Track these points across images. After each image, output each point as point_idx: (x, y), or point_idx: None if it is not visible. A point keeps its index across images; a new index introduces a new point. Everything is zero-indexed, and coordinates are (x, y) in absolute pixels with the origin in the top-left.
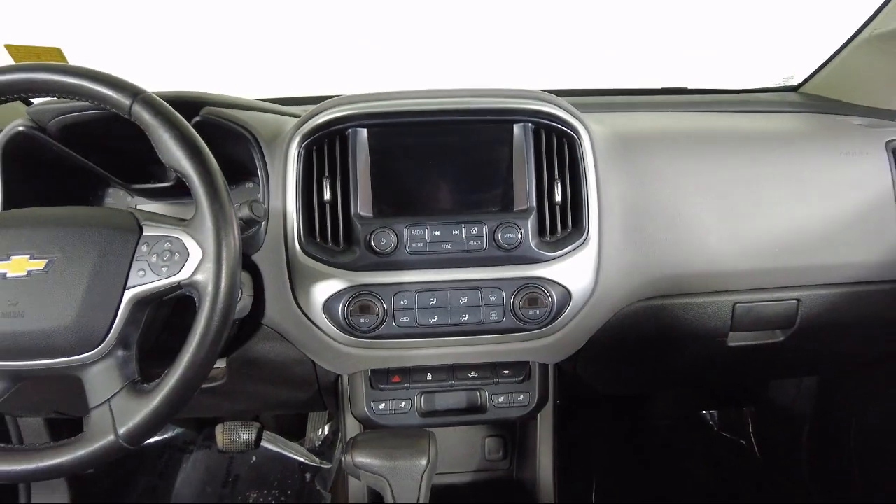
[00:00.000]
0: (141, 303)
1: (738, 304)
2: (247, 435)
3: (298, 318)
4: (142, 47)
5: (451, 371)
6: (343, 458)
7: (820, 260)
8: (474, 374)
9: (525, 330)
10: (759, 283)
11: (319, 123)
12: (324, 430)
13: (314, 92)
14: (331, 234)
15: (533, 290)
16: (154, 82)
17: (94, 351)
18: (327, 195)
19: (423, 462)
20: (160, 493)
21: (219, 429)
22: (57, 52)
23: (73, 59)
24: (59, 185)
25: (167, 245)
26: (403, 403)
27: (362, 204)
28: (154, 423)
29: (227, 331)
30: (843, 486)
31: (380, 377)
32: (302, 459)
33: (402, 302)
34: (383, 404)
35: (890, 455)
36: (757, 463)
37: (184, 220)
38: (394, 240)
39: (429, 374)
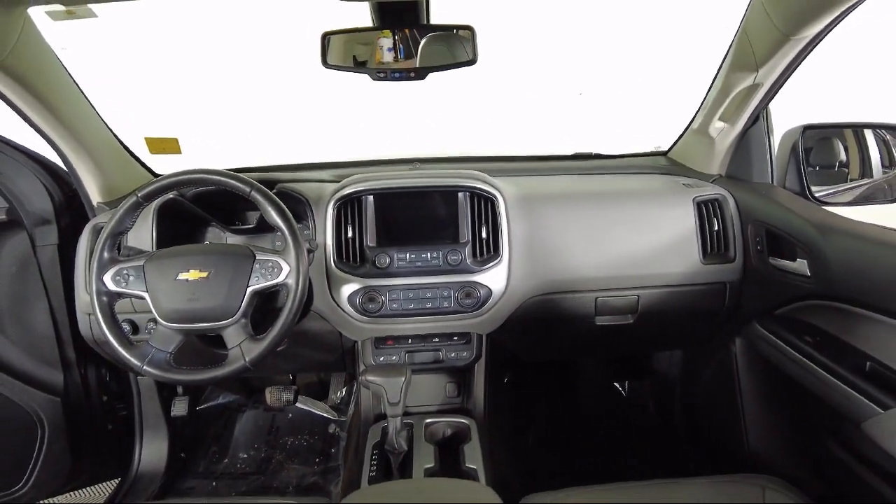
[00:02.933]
0: (256, 294)
1: (599, 298)
2: (287, 395)
3: (332, 305)
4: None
5: (423, 338)
6: (359, 378)
7: (650, 271)
8: (436, 339)
9: (465, 312)
10: (612, 285)
11: (346, 193)
12: (341, 391)
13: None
14: (351, 257)
15: (469, 289)
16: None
17: (231, 318)
18: (350, 234)
19: (402, 379)
20: (224, 439)
21: (268, 391)
22: (175, 141)
23: (185, 145)
24: (179, 228)
25: (270, 264)
26: (395, 357)
27: (370, 239)
28: (266, 354)
29: (300, 309)
30: (695, 424)
31: (380, 341)
32: (325, 414)
33: (393, 296)
34: (382, 357)
35: (714, 399)
36: (652, 420)
37: (276, 250)
38: (388, 260)
39: (409, 340)
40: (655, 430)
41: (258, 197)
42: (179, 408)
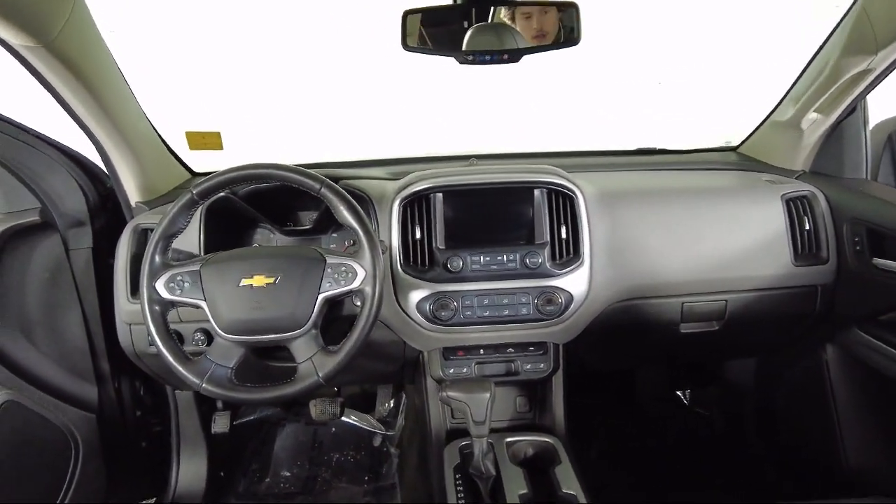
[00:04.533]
0: (327, 301)
1: (685, 303)
2: (333, 407)
3: (398, 312)
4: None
5: (495, 348)
6: (440, 394)
7: (738, 273)
8: (511, 350)
9: (544, 320)
10: (699, 289)
11: (413, 191)
12: (389, 403)
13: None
14: (419, 260)
15: (549, 294)
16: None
17: (300, 329)
18: (418, 235)
19: (487, 395)
20: (264, 455)
21: (312, 404)
22: (217, 134)
23: (228, 140)
24: (227, 229)
25: (343, 268)
26: (465, 369)
27: (439, 240)
28: (340, 369)
29: (377, 318)
30: (777, 437)
31: (449, 352)
32: (370, 428)
33: (466, 302)
34: (452, 369)
35: (801, 410)
36: (718, 430)
37: (348, 253)
38: (461, 263)
39: (481, 350)
40: (723, 442)
41: (329, 194)
42: (220, 424)
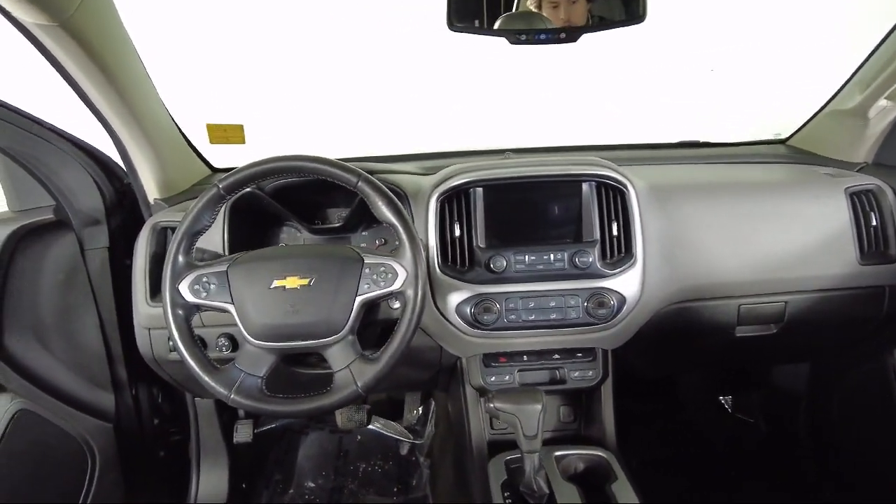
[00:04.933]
0: (365, 305)
1: (742, 305)
2: (360, 415)
3: (436, 316)
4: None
5: (539, 354)
6: (486, 405)
7: (798, 273)
8: (557, 356)
9: (594, 324)
10: (757, 290)
11: (452, 185)
12: (417, 411)
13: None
14: (459, 260)
15: (601, 297)
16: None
17: (337, 335)
18: (457, 233)
19: (539, 406)
20: (286, 464)
21: (338, 411)
22: (240, 128)
23: (249, 133)
24: (252, 227)
25: (382, 268)
26: (508, 377)
27: (479, 238)
28: (381, 378)
29: (419, 322)
30: (833, 447)
31: (490, 358)
32: (398, 436)
33: (510, 305)
34: (493, 377)
35: (862, 419)
36: (763, 437)
37: (387, 252)
38: (505, 263)
39: (525, 356)
40: (772, 452)
41: (367, 188)
42: (243, 433)
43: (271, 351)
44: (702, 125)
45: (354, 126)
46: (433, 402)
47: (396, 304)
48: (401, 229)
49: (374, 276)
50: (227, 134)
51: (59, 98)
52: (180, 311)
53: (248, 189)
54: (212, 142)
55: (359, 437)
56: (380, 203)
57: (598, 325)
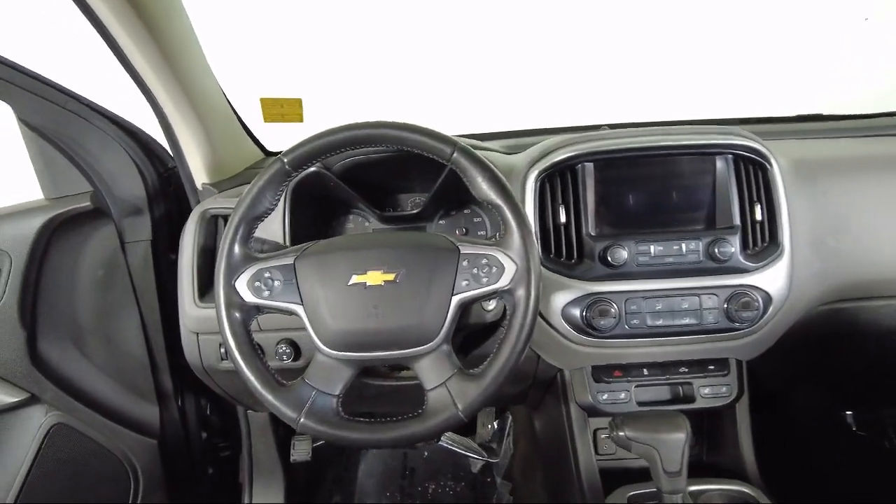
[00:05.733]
0: (462, 306)
1: None
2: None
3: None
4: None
5: (663, 367)
6: (614, 433)
7: None
8: (684, 369)
9: (734, 330)
10: None
11: (556, 161)
12: (493, 425)
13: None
14: (564, 251)
15: (745, 296)
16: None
17: (429, 344)
18: (562, 218)
19: (683, 435)
20: (346, 483)
21: None
22: (298, 102)
23: (309, 107)
24: (315, 215)
25: (484, 261)
26: (623, 394)
27: (590, 224)
28: (485, 400)
29: (533, 330)
30: None
31: (602, 372)
32: (468, 453)
33: (632, 307)
34: (606, 395)
35: None
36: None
37: (489, 241)
38: (625, 254)
39: (644, 370)
40: None
41: (464, 161)
42: (301, 451)
43: (349, 363)
44: (825, 93)
45: (424, 101)
46: (510, 417)
47: (491, 306)
48: (508, 211)
49: (475, 271)
50: (284, 110)
51: (95, 72)
52: (237, 314)
53: (314, 168)
54: (266, 119)
55: (426, 454)
56: (480, 179)
57: (738, 330)
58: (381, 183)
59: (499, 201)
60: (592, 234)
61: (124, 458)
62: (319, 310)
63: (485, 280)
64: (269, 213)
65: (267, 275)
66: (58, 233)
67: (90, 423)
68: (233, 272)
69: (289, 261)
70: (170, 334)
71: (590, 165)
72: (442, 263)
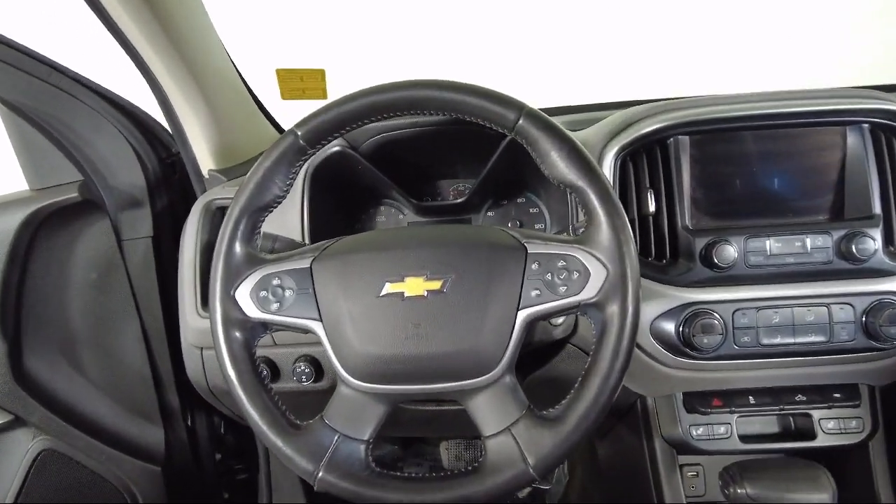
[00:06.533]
0: (531, 324)
1: None
2: (470, 453)
3: None
4: (384, 62)
5: (774, 393)
6: (731, 490)
7: None
8: (801, 396)
9: (872, 349)
10: None
11: (643, 133)
12: None
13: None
14: (653, 248)
15: (891, 306)
16: None
17: (487, 375)
18: (651, 207)
19: (828, 496)
20: None
21: (444, 447)
22: (321, 74)
23: (334, 81)
24: (339, 205)
25: (561, 263)
26: (723, 428)
27: (686, 215)
28: (566, 453)
29: (630, 358)
30: None
31: (697, 400)
32: None
33: (743, 321)
34: (700, 429)
35: None
36: None
37: (565, 238)
38: (733, 252)
39: (750, 397)
40: None
41: (535, 131)
42: None
43: (382, 398)
44: None
45: (465, 71)
46: None
47: (560, 320)
48: (595, 196)
49: (548, 277)
50: (304, 84)
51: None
52: (237, 333)
53: (337, 148)
54: (284, 96)
55: None
56: (556, 153)
57: (878, 350)
58: (418, 166)
59: (582, 183)
60: (690, 226)
61: (123, 488)
62: (343, 329)
63: (562, 289)
64: (279, 203)
65: (276, 282)
66: (43, 229)
67: (84, 448)
68: (232, 279)
69: (304, 264)
70: (175, 345)
71: (685, 139)
72: (504, 267)
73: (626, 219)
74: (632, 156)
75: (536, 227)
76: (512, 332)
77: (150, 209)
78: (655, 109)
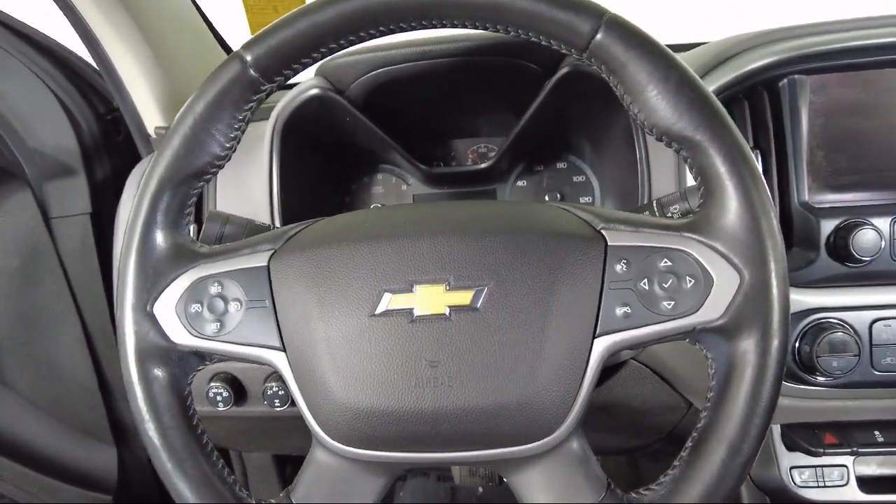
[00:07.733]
0: (611, 356)
1: None
2: (486, 469)
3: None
4: None
5: None
6: None
7: None
8: None
9: None
10: None
11: (746, 71)
12: None
13: None
14: None
15: None
16: None
17: (544, 440)
18: None
19: None
20: None
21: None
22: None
23: None
24: (324, 173)
25: (664, 263)
26: (837, 472)
27: (804, 186)
28: None
29: (775, 404)
30: None
31: (801, 434)
32: None
33: (883, 335)
34: (807, 472)
35: None
36: None
37: (660, 221)
38: (875, 240)
39: (876, 432)
40: None
41: (623, 50)
42: None
43: (377, 469)
44: None
45: None
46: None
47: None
48: (718, 157)
49: (644, 285)
50: (279, 14)
51: None
52: (158, 370)
53: (315, 90)
54: (254, 30)
55: (480, 490)
56: (653, 86)
57: None
58: (427, 118)
59: (700, 136)
60: (811, 202)
61: None
62: (317, 365)
63: (666, 305)
64: (219, 167)
65: (215, 289)
66: None
67: (14, 479)
68: (149, 285)
69: (259, 261)
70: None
71: (804, 80)
72: (571, 269)
73: (770, 199)
74: (727, 103)
75: (582, 200)
76: (585, 373)
77: (85, 179)
78: (762, 38)
